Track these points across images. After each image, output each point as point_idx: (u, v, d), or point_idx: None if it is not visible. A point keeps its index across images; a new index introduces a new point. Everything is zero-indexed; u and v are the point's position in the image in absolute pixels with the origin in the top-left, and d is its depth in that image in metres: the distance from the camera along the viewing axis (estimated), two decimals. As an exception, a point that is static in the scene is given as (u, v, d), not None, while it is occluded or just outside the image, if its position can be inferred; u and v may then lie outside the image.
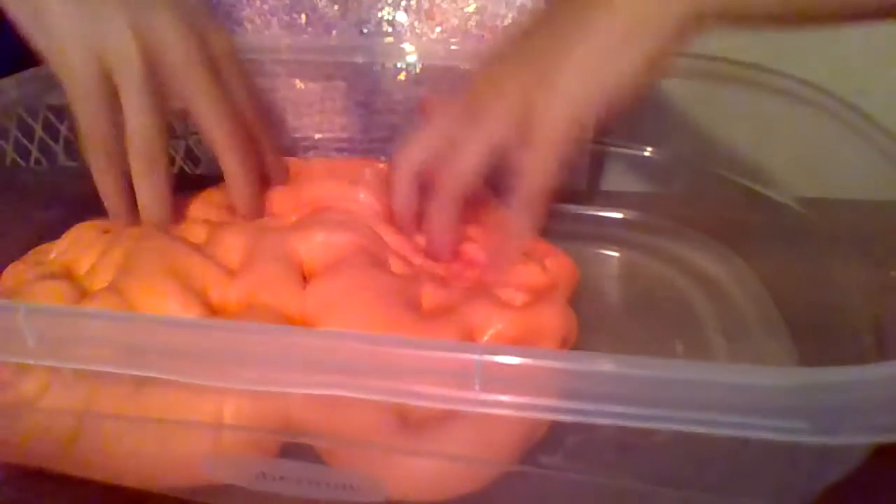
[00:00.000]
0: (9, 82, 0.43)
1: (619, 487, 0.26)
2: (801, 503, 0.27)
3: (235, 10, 0.51)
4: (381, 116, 0.52)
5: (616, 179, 0.55)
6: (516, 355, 0.21)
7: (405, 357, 0.22)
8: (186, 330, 0.24)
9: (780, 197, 0.42)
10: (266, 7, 0.50)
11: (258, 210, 0.39)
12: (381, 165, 0.44)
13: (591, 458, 0.26)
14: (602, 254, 0.45)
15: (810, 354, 0.36)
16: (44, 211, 0.43)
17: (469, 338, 0.31)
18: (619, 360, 0.21)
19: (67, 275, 0.35)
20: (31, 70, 0.42)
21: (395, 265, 0.35)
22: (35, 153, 0.57)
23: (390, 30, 0.49)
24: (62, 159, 0.58)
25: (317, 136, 0.53)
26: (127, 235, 0.35)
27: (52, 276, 0.34)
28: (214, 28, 0.37)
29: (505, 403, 0.21)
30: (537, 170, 0.32)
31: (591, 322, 0.35)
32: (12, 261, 0.37)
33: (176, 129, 0.54)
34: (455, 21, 0.49)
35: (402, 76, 0.49)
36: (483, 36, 0.49)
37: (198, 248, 0.35)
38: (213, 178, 0.42)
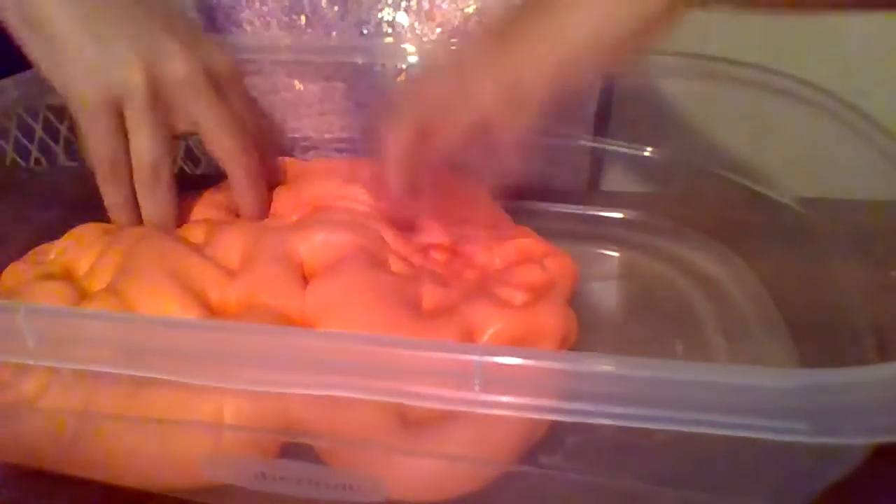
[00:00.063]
0: (9, 82, 0.43)
1: (619, 487, 0.26)
2: (801, 503, 0.27)
3: (235, 12, 0.51)
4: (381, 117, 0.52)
5: (616, 179, 0.56)
6: (516, 356, 0.21)
7: (405, 357, 0.22)
8: (186, 330, 0.24)
9: (780, 197, 0.42)
10: (266, 8, 0.50)
11: (264, 218, 0.40)
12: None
13: (591, 458, 0.26)
14: (602, 254, 0.45)
15: (810, 355, 0.36)
16: (44, 211, 0.43)
17: (469, 337, 0.31)
18: (619, 360, 0.21)
19: (67, 275, 0.35)
20: (31, 70, 0.41)
21: (395, 265, 0.35)
22: (35, 153, 0.57)
23: (390, 30, 0.49)
24: (62, 159, 0.58)
25: (316, 136, 0.53)
26: (126, 236, 0.35)
27: (52, 276, 0.34)
28: (217, 50, 0.39)
29: (505, 404, 0.21)
30: (522, 117, 0.32)
31: (591, 322, 0.35)
32: (12, 261, 0.37)
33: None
34: (455, 22, 0.49)
35: (402, 77, 0.49)
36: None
37: (197, 249, 0.35)
38: (213, 178, 0.42)
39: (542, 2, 0.32)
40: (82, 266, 0.35)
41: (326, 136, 0.53)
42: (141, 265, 0.32)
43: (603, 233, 0.46)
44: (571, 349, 0.33)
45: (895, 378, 0.20)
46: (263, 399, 0.27)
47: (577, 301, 0.36)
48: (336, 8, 0.49)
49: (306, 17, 0.49)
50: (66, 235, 0.38)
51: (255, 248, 0.34)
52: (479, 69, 0.33)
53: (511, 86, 0.32)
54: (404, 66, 0.48)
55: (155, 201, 0.37)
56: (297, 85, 0.51)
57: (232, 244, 0.35)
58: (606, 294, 0.43)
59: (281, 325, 0.30)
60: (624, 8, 0.31)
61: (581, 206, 0.48)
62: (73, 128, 0.37)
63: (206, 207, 0.40)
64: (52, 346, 0.24)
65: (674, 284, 0.42)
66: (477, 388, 0.21)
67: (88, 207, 0.38)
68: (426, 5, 0.48)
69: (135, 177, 0.37)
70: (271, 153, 0.43)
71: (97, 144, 0.36)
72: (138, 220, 0.38)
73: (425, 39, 0.49)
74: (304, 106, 0.52)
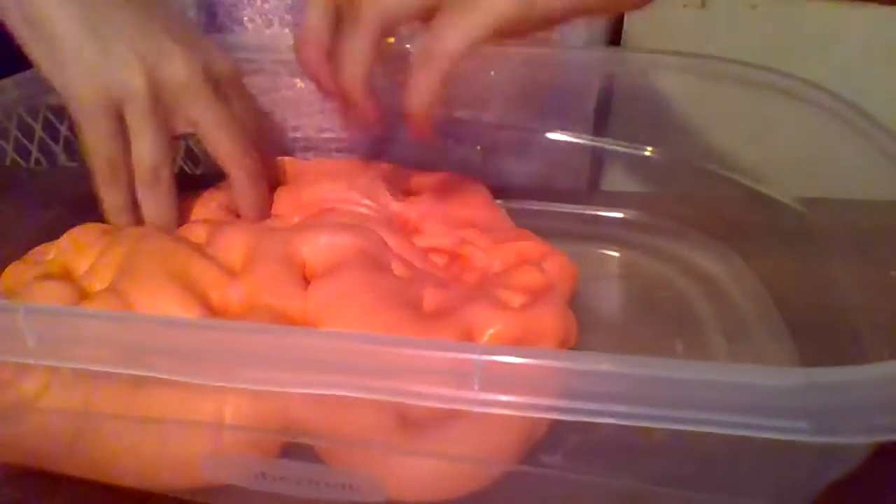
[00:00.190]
0: (9, 82, 0.43)
1: (619, 487, 0.26)
2: (801, 503, 0.27)
3: (236, 10, 0.51)
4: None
5: (616, 179, 0.55)
6: (516, 355, 0.21)
7: (405, 357, 0.22)
8: (186, 330, 0.24)
9: (780, 197, 0.42)
10: (267, 6, 0.50)
11: (265, 219, 0.40)
12: (383, 166, 0.44)
13: (591, 458, 0.26)
14: (602, 254, 0.45)
15: (810, 354, 0.36)
16: (44, 211, 0.43)
17: (468, 339, 0.31)
18: (619, 360, 0.21)
19: (67, 275, 0.35)
20: (31, 70, 0.42)
21: (397, 268, 0.35)
22: (35, 153, 0.57)
23: (390, 30, 0.49)
24: (62, 159, 0.58)
25: (317, 136, 0.53)
26: (127, 236, 0.35)
27: (52, 276, 0.34)
28: (217, 51, 0.39)
29: (505, 403, 0.21)
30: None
31: (591, 322, 0.35)
32: (12, 261, 0.37)
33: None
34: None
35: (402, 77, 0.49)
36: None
37: (198, 249, 0.35)
38: (213, 178, 0.42)
39: None
40: (82, 266, 0.35)
41: (327, 135, 0.53)
42: (141, 265, 0.32)
43: (603, 233, 0.46)
44: (571, 349, 0.33)
45: (895, 377, 0.20)
46: (264, 399, 0.27)
47: (576, 301, 0.36)
48: (336, 7, 0.49)
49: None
50: (65, 235, 0.38)
51: (256, 248, 0.34)
52: None
53: None
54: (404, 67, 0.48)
55: (156, 203, 0.38)
56: (299, 83, 0.51)
57: (233, 244, 0.35)
58: (606, 294, 0.43)
59: (281, 325, 0.30)
60: None
61: (581, 206, 0.48)
62: (73, 128, 0.37)
63: (206, 207, 0.40)
64: (52, 346, 0.24)
65: (674, 284, 0.42)
66: (476, 387, 0.21)
67: (88, 207, 0.38)
68: (426, 5, 0.48)
69: (136, 179, 0.37)
70: (271, 153, 0.44)
71: (97, 145, 0.36)
72: (137, 222, 0.38)
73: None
74: (304, 104, 0.52)
